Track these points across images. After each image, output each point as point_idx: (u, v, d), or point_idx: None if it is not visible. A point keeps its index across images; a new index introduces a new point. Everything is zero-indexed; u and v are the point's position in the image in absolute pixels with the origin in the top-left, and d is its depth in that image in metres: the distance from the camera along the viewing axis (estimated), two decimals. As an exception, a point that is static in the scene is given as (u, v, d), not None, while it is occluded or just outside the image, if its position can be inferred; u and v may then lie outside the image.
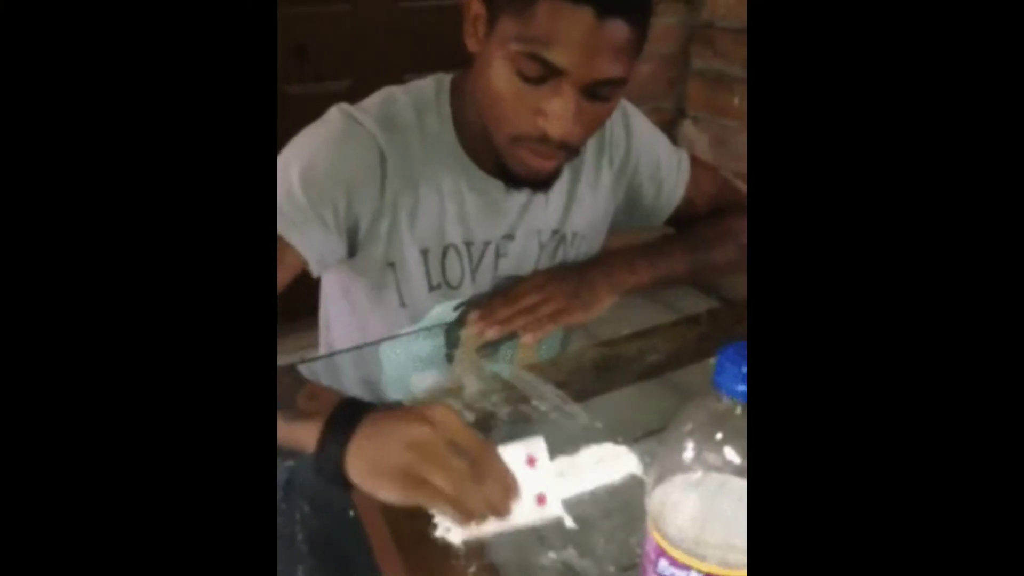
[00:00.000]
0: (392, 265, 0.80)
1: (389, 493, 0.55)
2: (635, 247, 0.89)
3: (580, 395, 0.75)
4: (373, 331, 0.87)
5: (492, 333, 0.78)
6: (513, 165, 0.75)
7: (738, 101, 2.10)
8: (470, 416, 0.71)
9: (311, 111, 0.81)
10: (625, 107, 0.90)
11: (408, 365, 0.87)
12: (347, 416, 0.58)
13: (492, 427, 0.70)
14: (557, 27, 0.64)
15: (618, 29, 0.65)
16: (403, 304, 0.83)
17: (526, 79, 0.67)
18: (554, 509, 0.57)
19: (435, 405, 0.58)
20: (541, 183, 0.78)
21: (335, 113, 0.78)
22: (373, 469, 0.56)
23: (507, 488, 0.55)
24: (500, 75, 0.68)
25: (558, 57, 0.65)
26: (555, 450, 0.65)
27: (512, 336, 0.79)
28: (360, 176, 0.76)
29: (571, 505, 0.60)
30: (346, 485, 0.57)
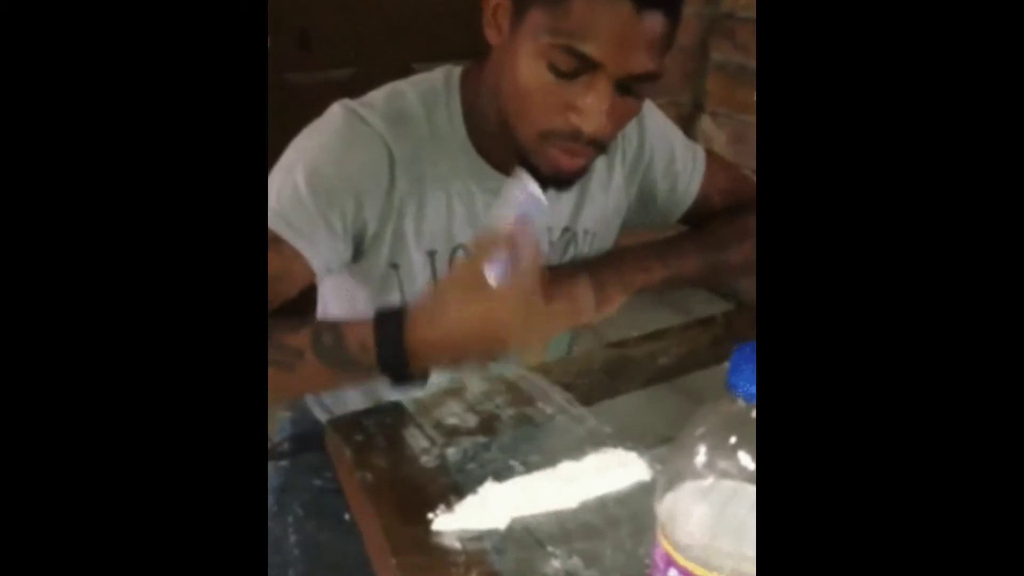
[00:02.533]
0: (396, 267, 0.80)
1: (475, 358, 0.65)
2: (647, 245, 0.89)
3: (587, 398, 0.75)
4: None
5: None
6: (541, 163, 0.73)
7: (758, 96, 2.09)
8: (473, 418, 0.71)
9: (313, 101, 0.80)
10: None
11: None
12: (390, 313, 0.65)
13: (496, 430, 0.70)
14: (595, 20, 0.64)
15: (656, 22, 0.65)
16: None
17: (559, 73, 0.67)
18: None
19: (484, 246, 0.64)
20: (566, 182, 0.78)
21: (338, 111, 0.77)
22: (451, 340, 0.63)
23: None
24: (529, 69, 0.68)
25: (595, 50, 0.65)
26: (561, 455, 0.65)
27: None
28: (369, 180, 0.75)
29: (576, 513, 0.60)
30: (413, 375, 0.65)
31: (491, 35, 0.72)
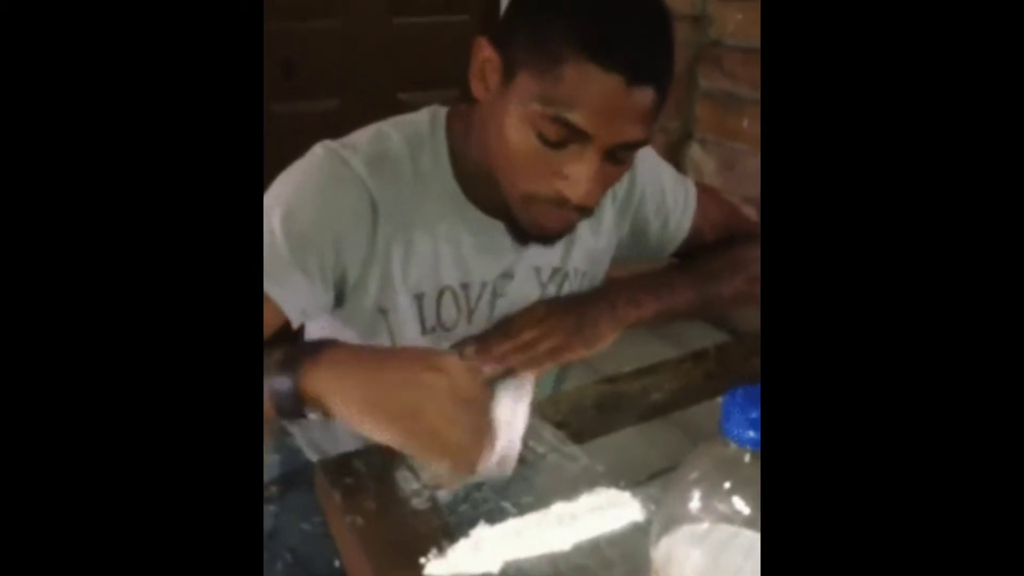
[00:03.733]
0: (383, 312, 0.80)
1: (387, 433, 0.60)
2: (639, 278, 0.89)
3: (579, 436, 0.75)
4: None
5: (487, 370, 0.78)
6: (524, 221, 0.75)
7: (747, 123, 2.11)
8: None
9: (298, 132, 0.81)
10: None
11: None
12: (310, 344, 0.64)
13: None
14: (586, 92, 0.65)
15: (646, 95, 0.66)
16: None
17: (547, 142, 0.67)
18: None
19: (443, 355, 0.62)
20: (550, 239, 0.78)
21: (320, 152, 0.76)
22: (369, 404, 0.60)
23: (484, 447, 0.62)
24: (517, 133, 0.68)
25: (585, 122, 0.65)
26: (553, 496, 0.65)
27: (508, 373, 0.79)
28: (349, 226, 0.74)
29: (570, 555, 0.60)
30: (304, 410, 0.63)
31: (476, 88, 0.72)
